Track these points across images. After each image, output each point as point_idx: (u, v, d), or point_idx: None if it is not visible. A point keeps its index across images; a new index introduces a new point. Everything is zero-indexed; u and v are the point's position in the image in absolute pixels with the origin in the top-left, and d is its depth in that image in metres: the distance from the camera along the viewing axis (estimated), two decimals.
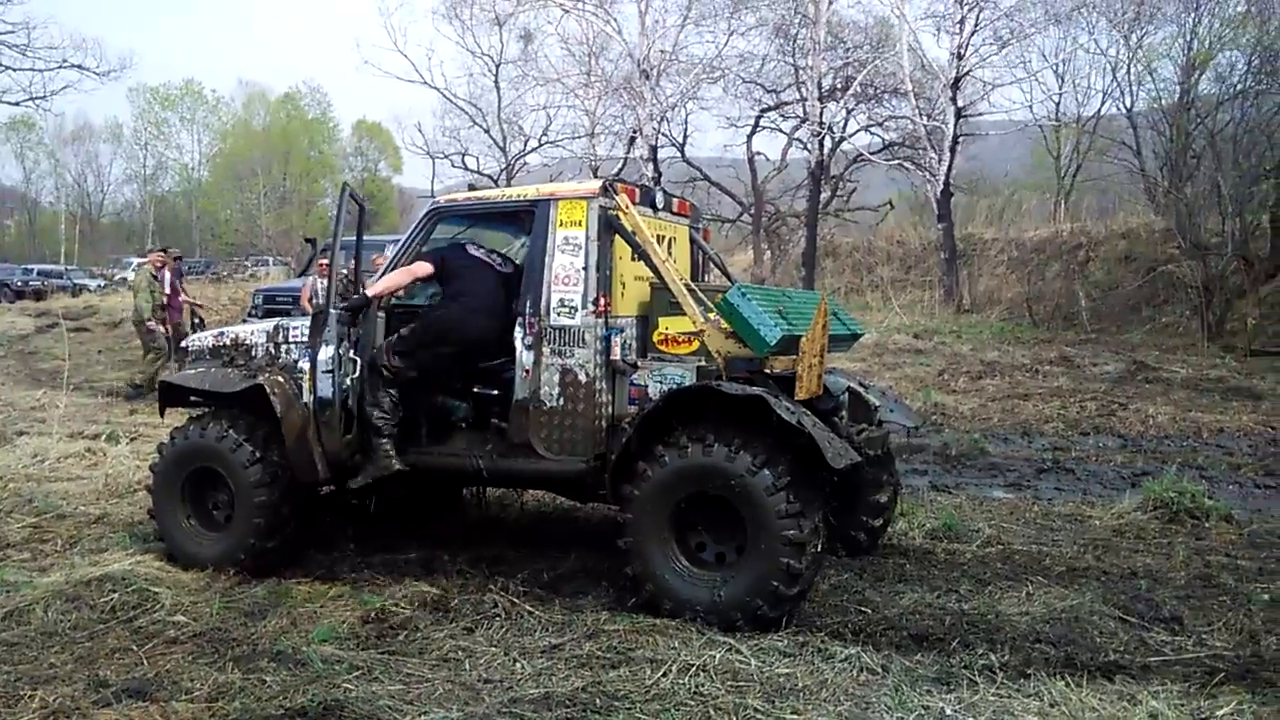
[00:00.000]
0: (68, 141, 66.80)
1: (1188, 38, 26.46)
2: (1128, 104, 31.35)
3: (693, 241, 6.61)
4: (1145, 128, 29.00)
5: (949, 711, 4.00)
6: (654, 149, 30.25)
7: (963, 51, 24.77)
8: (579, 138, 34.99)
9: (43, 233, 66.22)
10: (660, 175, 30.54)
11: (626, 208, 5.48)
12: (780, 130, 34.84)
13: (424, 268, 5.82)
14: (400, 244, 6.06)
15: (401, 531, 6.70)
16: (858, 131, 33.23)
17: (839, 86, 29.79)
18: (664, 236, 6.03)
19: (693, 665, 4.38)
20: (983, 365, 15.14)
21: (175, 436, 6.23)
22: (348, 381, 5.73)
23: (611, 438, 5.40)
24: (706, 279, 6.89)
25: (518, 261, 5.99)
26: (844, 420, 5.75)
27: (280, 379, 6.02)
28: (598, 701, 4.06)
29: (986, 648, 4.67)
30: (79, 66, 29.73)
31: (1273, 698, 4.16)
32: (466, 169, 39.67)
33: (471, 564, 6.07)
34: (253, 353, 6.26)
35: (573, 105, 34.37)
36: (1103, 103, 33.75)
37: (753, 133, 33.84)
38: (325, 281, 13.12)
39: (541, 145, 37.47)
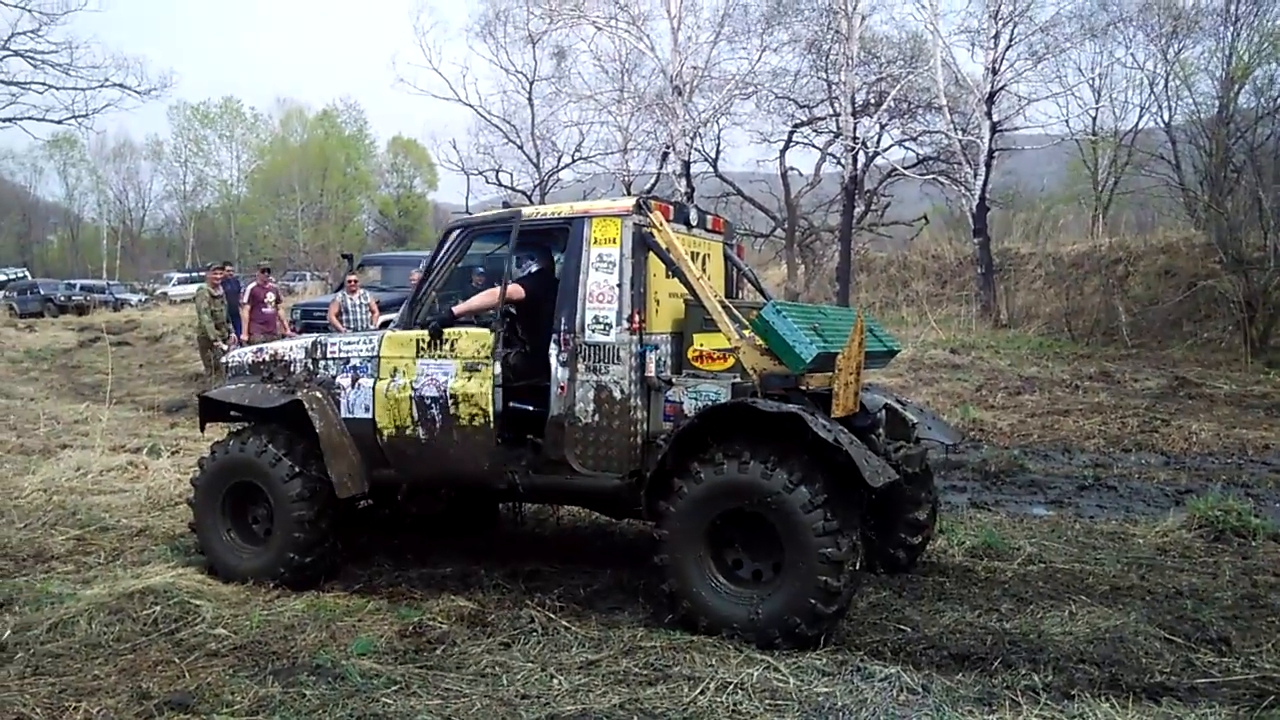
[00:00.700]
0: (109, 159, 68.07)
1: (1226, 52, 26.19)
2: (1166, 118, 31.02)
3: (727, 258, 6.60)
4: (1184, 142, 28.67)
5: None
6: (687, 164, 30.28)
7: (998, 66, 24.65)
8: (612, 153, 35.15)
9: (85, 248, 67.38)
10: (693, 191, 30.56)
11: (660, 225, 5.49)
12: (813, 145, 34.77)
13: (517, 290, 5.86)
14: (431, 260, 6.10)
15: (439, 546, 6.73)
16: (891, 146, 33.14)
17: (872, 101, 29.72)
18: (698, 253, 6.02)
19: (730, 683, 4.35)
20: (1021, 381, 14.99)
21: (215, 451, 6.30)
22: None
23: (647, 454, 5.39)
24: (741, 295, 6.87)
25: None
26: (881, 438, 5.69)
27: (318, 394, 6.10)
28: (635, 719, 4.04)
29: (1029, 668, 4.61)
30: (121, 85, 30.45)
31: None
32: (500, 185, 39.90)
33: (508, 579, 6.08)
34: (291, 368, 6.35)
35: (605, 121, 34.53)
36: (1140, 117, 33.52)
37: (786, 148, 33.79)
38: (354, 298, 13.38)
39: (575, 161, 37.64)
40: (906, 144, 32.37)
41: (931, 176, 30.20)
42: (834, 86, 29.63)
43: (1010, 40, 24.94)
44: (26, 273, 50.03)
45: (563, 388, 5.51)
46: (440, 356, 5.81)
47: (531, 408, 5.81)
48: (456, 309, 5.84)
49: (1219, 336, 19.31)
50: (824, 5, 29.04)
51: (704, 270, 5.99)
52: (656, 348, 5.54)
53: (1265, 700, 4.25)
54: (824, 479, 4.83)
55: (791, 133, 33.66)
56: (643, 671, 4.54)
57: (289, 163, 62.39)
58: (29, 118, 29.46)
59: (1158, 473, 9.74)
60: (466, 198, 42.66)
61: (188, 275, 48.07)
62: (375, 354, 6.07)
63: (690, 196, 30.26)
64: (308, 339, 6.49)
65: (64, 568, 6.39)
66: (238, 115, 68.05)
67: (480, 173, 41.04)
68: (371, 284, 16.74)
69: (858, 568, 4.95)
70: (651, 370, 5.47)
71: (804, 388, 5.21)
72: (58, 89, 29.09)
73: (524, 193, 37.46)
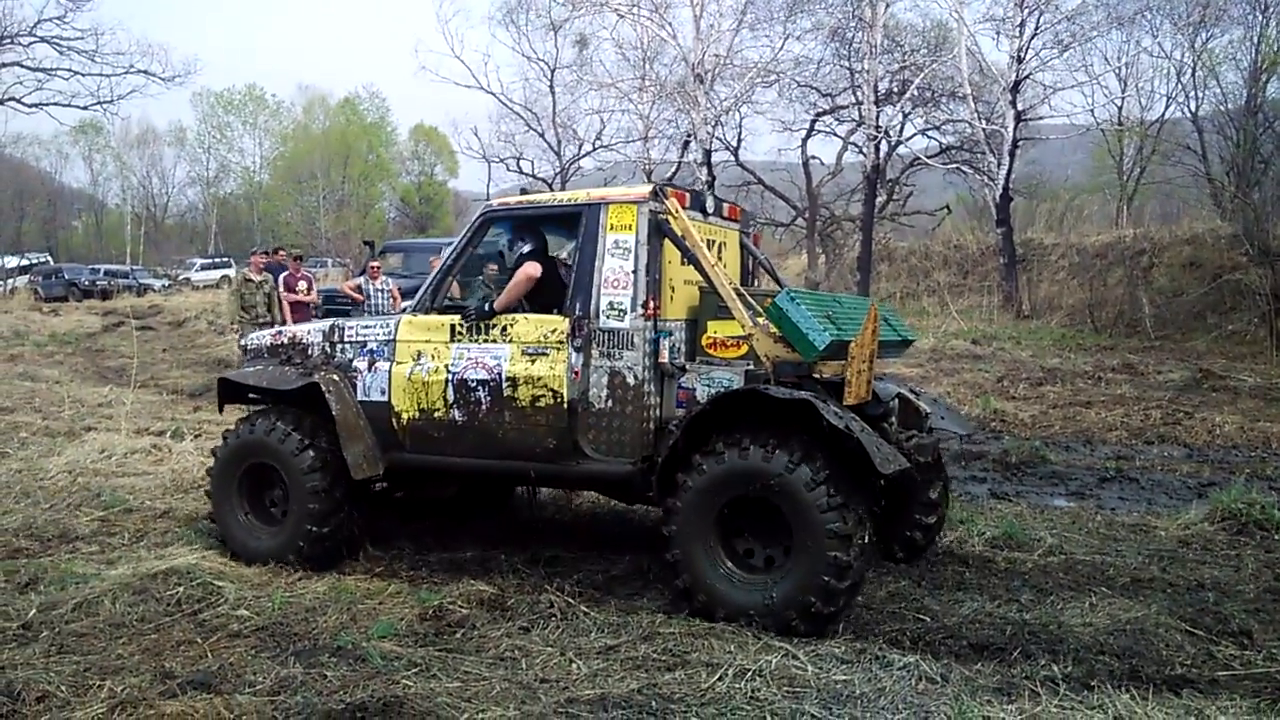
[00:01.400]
0: (133, 145, 68.43)
1: (1254, 40, 25.86)
2: (1192, 108, 30.73)
3: (743, 246, 6.61)
4: (1210, 132, 28.37)
5: None
6: (708, 153, 30.18)
7: (1023, 55, 24.38)
8: (633, 141, 35.06)
9: (109, 233, 67.88)
10: (714, 179, 30.47)
11: (676, 212, 5.50)
12: (835, 134, 34.59)
13: (535, 269, 5.87)
14: (454, 246, 6.14)
15: (458, 531, 6.76)
16: (914, 135, 32.91)
17: (895, 90, 29.49)
18: (714, 241, 6.03)
19: (749, 670, 4.36)
20: (1043, 372, 14.88)
21: (228, 436, 6.40)
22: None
23: (659, 440, 5.41)
24: (756, 283, 6.88)
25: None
26: (893, 426, 5.69)
27: (335, 377, 6.18)
28: (653, 704, 4.05)
29: (1049, 658, 4.60)
30: (145, 72, 30.56)
31: None
32: (521, 173, 39.94)
33: (527, 564, 6.12)
34: (309, 351, 6.43)
35: (627, 109, 34.46)
36: (1166, 106, 33.11)
37: (807, 136, 33.62)
38: (376, 284, 13.44)
39: (595, 149, 37.63)
40: (929, 133, 32.14)
41: (954, 166, 29.98)
42: (856, 75, 29.41)
43: (1036, 28, 24.65)
44: (49, 258, 50.47)
45: (577, 373, 5.52)
46: (490, 341, 5.80)
47: None
48: (497, 304, 5.85)
49: (1244, 329, 19.10)
50: None
51: (720, 258, 6.01)
52: (670, 334, 5.56)
53: None
54: (824, 456, 4.84)
55: (813, 121, 33.47)
56: (661, 657, 4.55)
57: (311, 150, 62.58)
58: (55, 103, 29.74)
59: (1180, 465, 9.67)
60: (488, 185, 42.79)
61: (210, 261, 48.41)
62: (392, 338, 6.10)
63: (711, 185, 30.16)
64: (326, 323, 6.55)
65: (88, 548, 6.47)
66: (261, 102, 68.36)
67: (501, 160, 41.15)
68: (393, 271, 16.82)
69: (868, 541, 4.93)
70: (665, 356, 5.49)
71: (817, 375, 5.21)
72: (83, 75, 29.30)
73: (545, 180, 37.47)
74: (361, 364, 6.16)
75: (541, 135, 38.61)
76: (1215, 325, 19.72)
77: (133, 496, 7.67)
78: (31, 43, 28.14)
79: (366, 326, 6.31)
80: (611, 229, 5.53)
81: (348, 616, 5.13)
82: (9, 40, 28.00)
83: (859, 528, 4.83)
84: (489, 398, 5.72)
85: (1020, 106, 24.52)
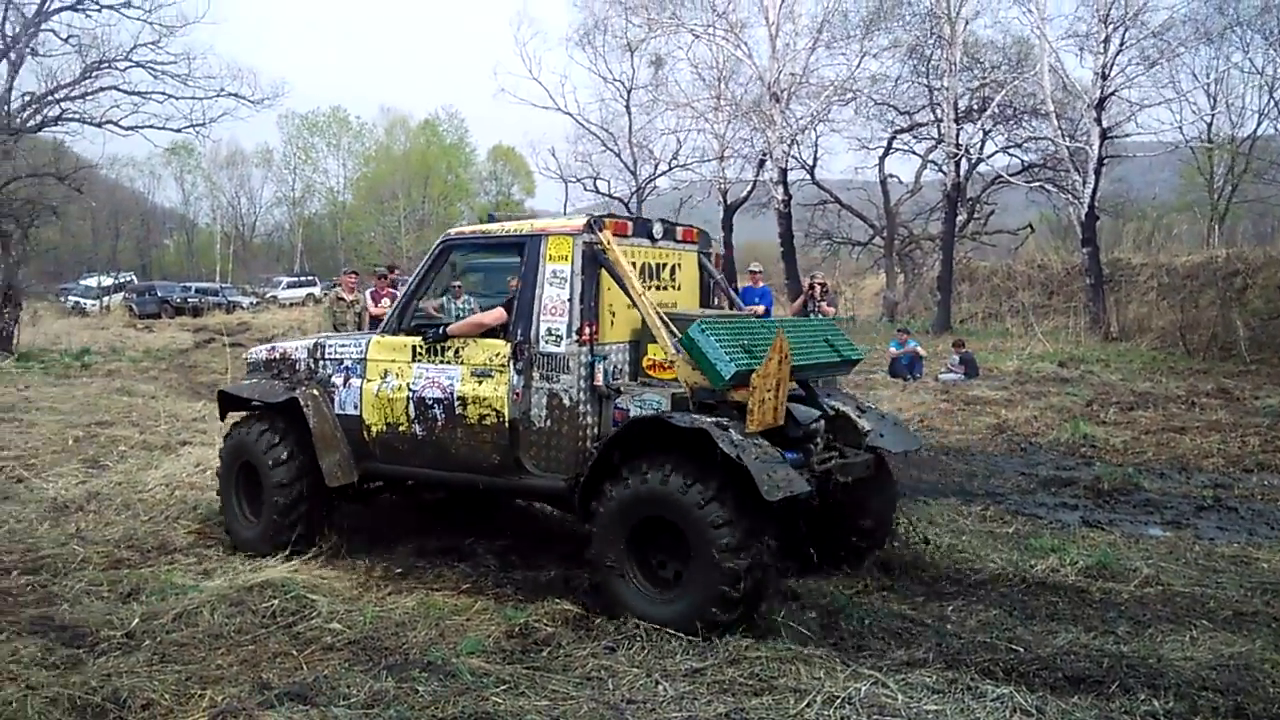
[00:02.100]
0: (222, 165, 70.69)
1: None
2: None
3: (702, 267, 6.87)
4: None
5: None
6: (783, 171, 30.10)
7: (1108, 71, 23.85)
8: (708, 161, 35.12)
9: (200, 252, 70.14)
10: (790, 198, 30.38)
11: (608, 243, 5.78)
12: (914, 152, 34.33)
13: (500, 315, 6.19)
14: (415, 272, 6.67)
15: (540, 549, 6.81)
16: (996, 153, 32.47)
17: (976, 107, 29.14)
18: (665, 264, 6.44)
19: (838, 697, 4.30)
20: (1134, 396, 14.46)
21: (226, 439, 7.12)
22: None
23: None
24: (717, 304, 7.14)
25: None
26: (818, 448, 5.82)
27: (315, 392, 6.75)
28: None
29: (1148, 693, 4.46)
30: (235, 95, 31.28)
31: None
32: (598, 192, 40.31)
33: None
34: (296, 367, 7.00)
35: (702, 129, 34.55)
36: (1259, 123, 32.11)
37: (885, 155, 33.41)
38: (458, 303, 13.63)
39: (671, 169, 37.80)
40: (1011, 150, 31.68)
41: (1038, 184, 29.47)
42: (935, 92, 29.18)
43: (1121, 45, 24.10)
44: (133, 277, 52.27)
45: (518, 394, 5.86)
46: (445, 362, 6.20)
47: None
48: (452, 329, 6.27)
49: None
50: (925, 10, 28.64)
51: (673, 279, 6.50)
52: (606, 358, 5.86)
53: None
54: (719, 479, 5.02)
55: (891, 139, 33.26)
56: (748, 681, 4.52)
57: (393, 170, 63.99)
58: (150, 126, 30.54)
59: None
60: (565, 204, 43.20)
61: (296, 279, 49.60)
62: (364, 356, 6.59)
63: (787, 204, 30.09)
64: (310, 340, 7.10)
65: (186, 560, 6.67)
66: (344, 124, 70.10)
67: (578, 180, 41.55)
68: (473, 290, 17.03)
69: (764, 555, 5.05)
70: (600, 380, 5.78)
71: (733, 400, 5.35)
72: (177, 99, 30.19)
73: (621, 200, 37.74)
74: (339, 380, 6.70)
75: (618, 155, 38.94)
76: None
77: None
78: (128, 67, 29.08)
79: (344, 345, 6.80)
80: (550, 259, 5.85)
81: (436, 632, 5.20)
82: (106, 65, 29.02)
83: (750, 540, 4.98)
84: (443, 415, 6.14)
85: (1105, 124, 23.98)
